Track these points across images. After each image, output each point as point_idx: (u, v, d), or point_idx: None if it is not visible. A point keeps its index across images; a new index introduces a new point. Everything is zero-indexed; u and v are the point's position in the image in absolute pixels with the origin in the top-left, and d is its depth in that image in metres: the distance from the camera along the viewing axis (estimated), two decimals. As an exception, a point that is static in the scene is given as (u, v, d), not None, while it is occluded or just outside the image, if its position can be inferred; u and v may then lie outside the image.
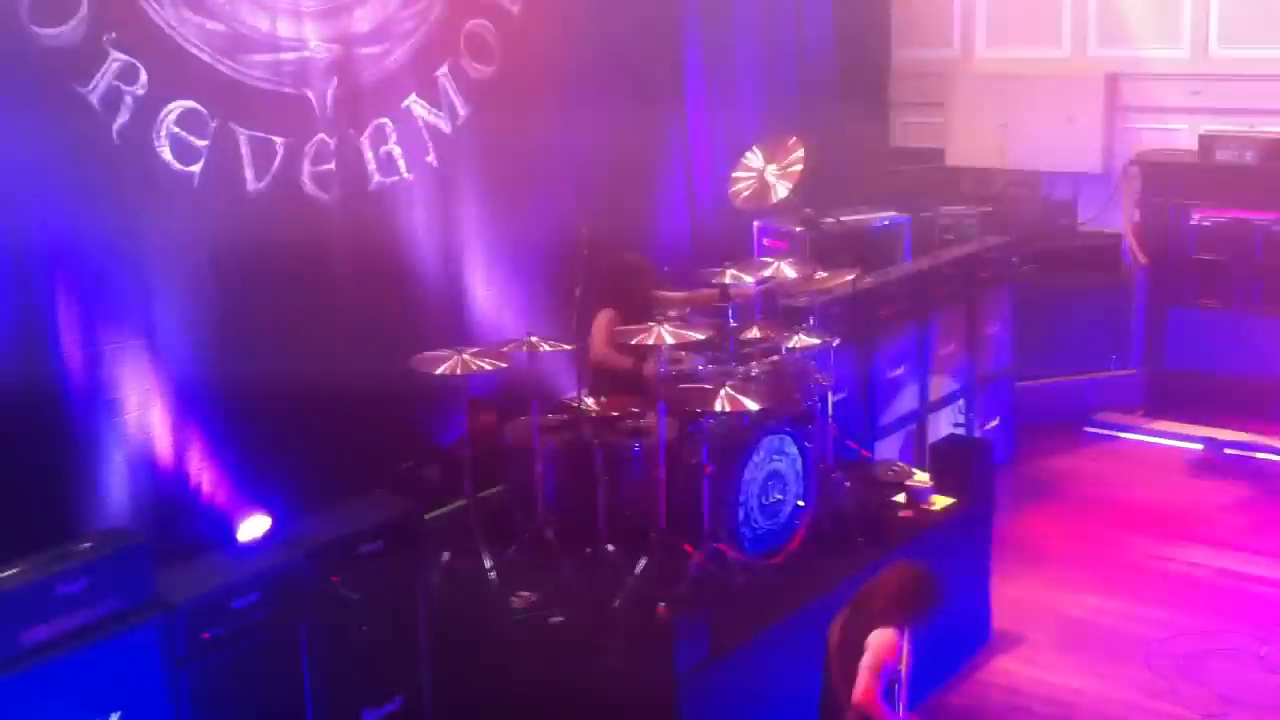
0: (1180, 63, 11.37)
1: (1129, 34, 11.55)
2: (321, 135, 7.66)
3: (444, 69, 8.32)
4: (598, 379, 7.57)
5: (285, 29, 7.45)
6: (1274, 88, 10.92)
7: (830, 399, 7.87)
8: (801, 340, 7.46)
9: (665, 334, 6.80)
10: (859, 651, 5.24)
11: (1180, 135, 11.32)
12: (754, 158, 9.11)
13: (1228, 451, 10.30)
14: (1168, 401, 11.09)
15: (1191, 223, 11.08)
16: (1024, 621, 8.12)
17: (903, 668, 5.40)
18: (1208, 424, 10.74)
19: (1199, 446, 10.69)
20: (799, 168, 9.02)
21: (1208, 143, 10.98)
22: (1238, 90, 11.08)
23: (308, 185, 7.62)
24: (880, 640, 5.24)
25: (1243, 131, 10.93)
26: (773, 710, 6.46)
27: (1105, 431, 11.11)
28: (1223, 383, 10.56)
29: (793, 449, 7.13)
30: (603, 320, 7.66)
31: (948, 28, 12.35)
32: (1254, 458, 10.06)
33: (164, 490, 6.94)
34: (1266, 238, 10.76)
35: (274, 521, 6.29)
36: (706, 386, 6.97)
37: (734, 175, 9.12)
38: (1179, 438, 10.84)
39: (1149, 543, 9.18)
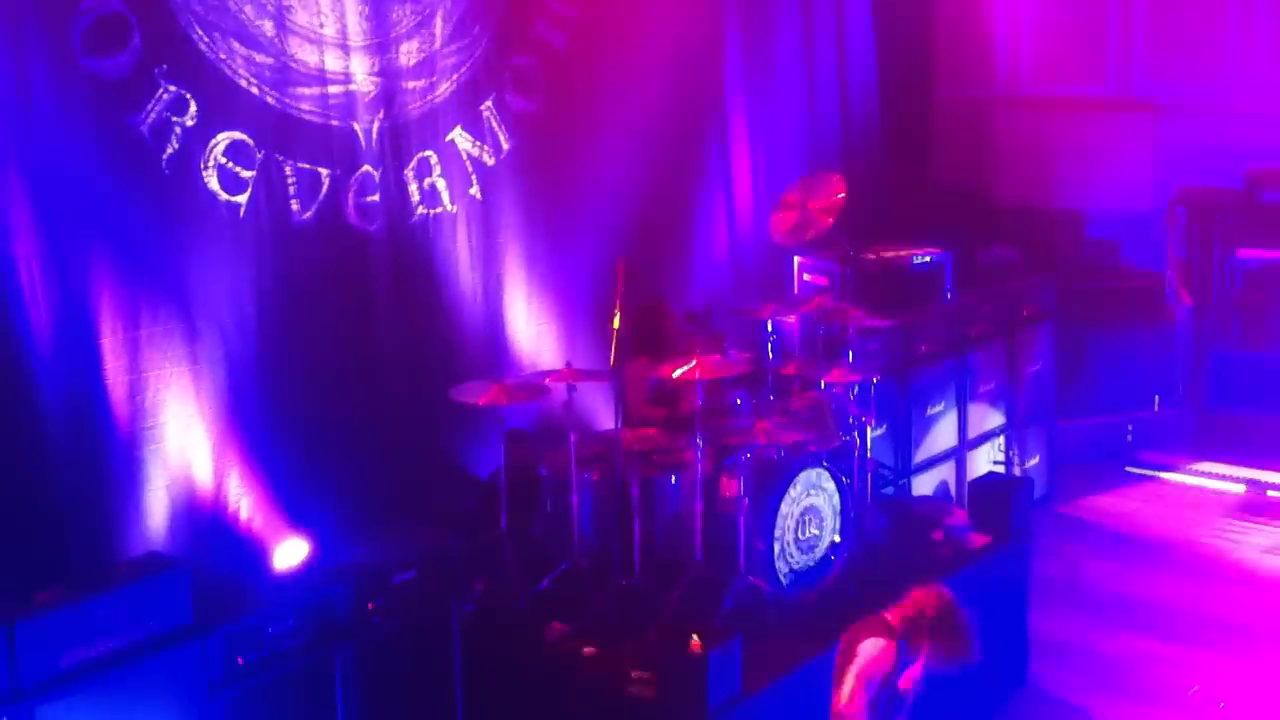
0: (1226, 100, 11.32)
1: (1175, 71, 11.51)
2: (367, 167, 7.76)
3: (489, 103, 8.40)
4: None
5: (332, 63, 7.56)
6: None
7: (868, 434, 7.85)
8: (840, 375, 7.45)
9: (701, 367, 6.81)
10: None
11: (1226, 174, 11.25)
12: (796, 193, 9.14)
13: (1270, 494, 10.19)
14: (1211, 442, 10.99)
15: (1236, 262, 11.00)
16: (1061, 662, 8.04)
17: (905, 685, 5.25)
18: (1251, 465, 10.63)
19: (1242, 488, 10.59)
20: (841, 203, 9.04)
21: (1254, 182, 10.91)
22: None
23: (352, 216, 7.71)
24: (870, 649, 5.14)
25: (1288, 170, 10.87)
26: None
27: (1147, 472, 11.01)
28: (1267, 424, 10.44)
29: (830, 484, 7.12)
30: (635, 372, 7.63)
31: (992, 64, 12.35)
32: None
33: (203, 516, 7.01)
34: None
35: (311, 549, 6.33)
36: (744, 420, 6.97)
37: (775, 210, 9.15)
38: (1222, 479, 10.74)
39: (1190, 584, 9.08)
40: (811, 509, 7.02)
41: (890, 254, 9.80)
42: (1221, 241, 11.08)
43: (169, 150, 6.89)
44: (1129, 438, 11.08)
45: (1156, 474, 10.97)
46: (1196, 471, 10.88)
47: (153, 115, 6.81)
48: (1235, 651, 8.16)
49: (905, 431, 9.06)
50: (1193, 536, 9.84)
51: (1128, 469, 11.02)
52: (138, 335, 6.79)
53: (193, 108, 6.93)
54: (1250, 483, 10.54)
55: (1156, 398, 11.19)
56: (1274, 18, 11.14)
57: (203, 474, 7.04)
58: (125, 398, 6.73)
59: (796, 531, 6.95)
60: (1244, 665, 7.99)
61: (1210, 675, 7.87)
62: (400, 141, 7.93)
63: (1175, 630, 8.43)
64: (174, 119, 6.88)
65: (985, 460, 9.82)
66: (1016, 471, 9.90)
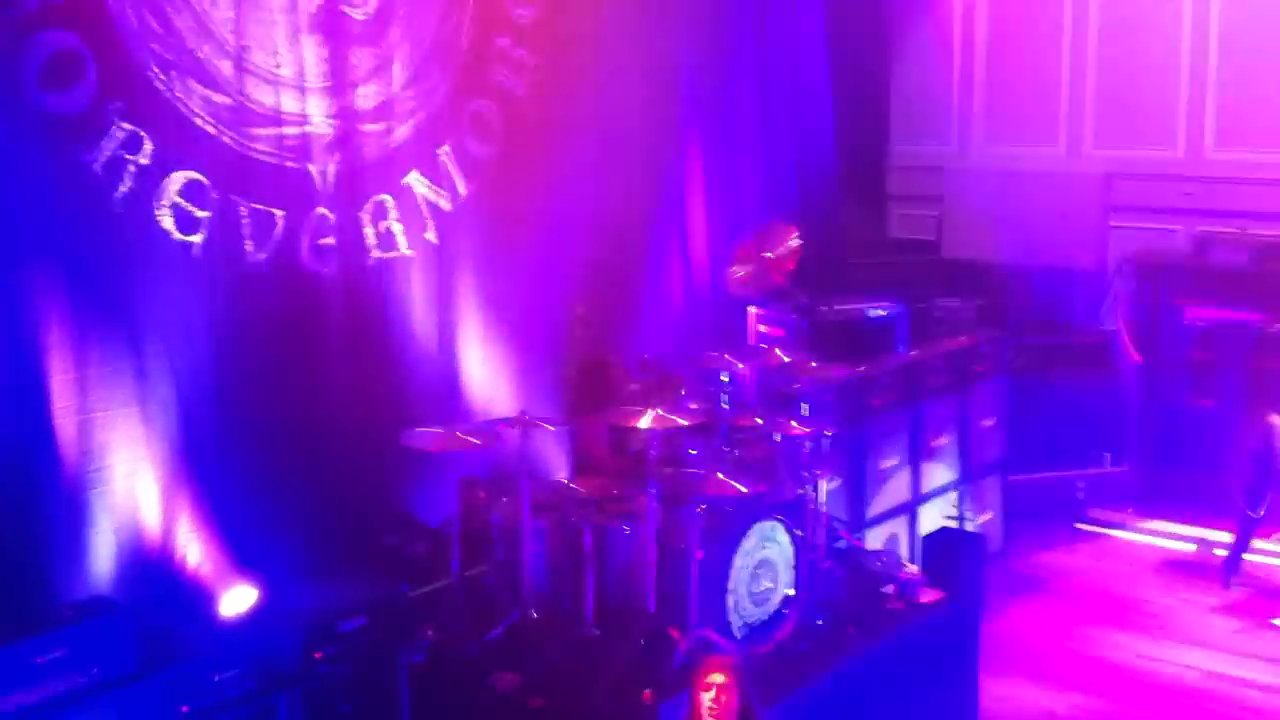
0: (1175, 164, 11.50)
1: (1125, 135, 11.69)
2: (322, 209, 7.71)
3: (446, 147, 8.39)
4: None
5: (289, 104, 7.52)
6: (1268, 191, 11.03)
7: (822, 487, 7.84)
8: (794, 427, 7.44)
9: (655, 417, 6.78)
10: None
11: (1175, 235, 11.42)
12: (752, 244, 9.16)
13: (1218, 552, 10.26)
14: (1160, 499, 11.07)
15: (1185, 322, 11.13)
16: (1010, 718, 8.02)
17: None
18: (1200, 524, 10.71)
19: (1191, 547, 10.66)
20: (797, 254, 9.08)
21: (1201, 243, 11.07)
22: (1232, 193, 11.19)
23: (307, 259, 7.66)
24: None
25: (1236, 233, 11.02)
26: (756, 802, 6.37)
27: (1098, 529, 11.07)
28: (1214, 481, 10.53)
29: (783, 537, 7.09)
30: (590, 422, 7.59)
31: (946, 123, 12.49)
32: (1246, 560, 10.02)
33: (150, 560, 6.88)
34: (1259, 339, 10.79)
35: (259, 593, 6.23)
36: (698, 471, 6.94)
37: (732, 260, 9.16)
38: (1171, 537, 10.81)
39: (1139, 643, 9.11)
40: (765, 562, 6.99)
41: (845, 306, 9.84)
42: (1170, 300, 11.22)
43: (123, 189, 6.81)
44: (1080, 494, 11.15)
45: (1107, 531, 11.03)
46: (1146, 529, 10.94)
47: (107, 153, 6.74)
48: (1186, 711, 8.18)
49: (859, 484, 9.06)
50: (1143, 595, 9.88)
51: (1078, 525, 11.07)
52: (87, 375, 6.69)
53: (148, 146, 6.87)
54: (1200, 541, 10.61)
55: (1107, 455, 11.26)
56: (1224, 85, 11.34)
57: (151, 517, 6.92)
58: (73, 439, 6.62)
59: (750, 584, 6.91)
60: (1193, 724, 8.02)
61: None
62: (356, 184, 7.90)
63: (1124, 690, 8.44)
64: (128, 157, 6.81)
65: (938, 514, 9.82)
66: (969, 526, 9.90)
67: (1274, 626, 9.34)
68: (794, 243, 9.14)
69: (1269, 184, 11.03)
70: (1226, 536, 10.15)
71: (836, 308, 9.56)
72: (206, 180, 7.15)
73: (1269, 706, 8.23)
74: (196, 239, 7.13)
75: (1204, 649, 9.01)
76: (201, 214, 7.14)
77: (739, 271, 9.21)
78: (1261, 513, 9.75)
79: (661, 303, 10.09)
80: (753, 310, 10.01)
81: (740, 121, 10.75)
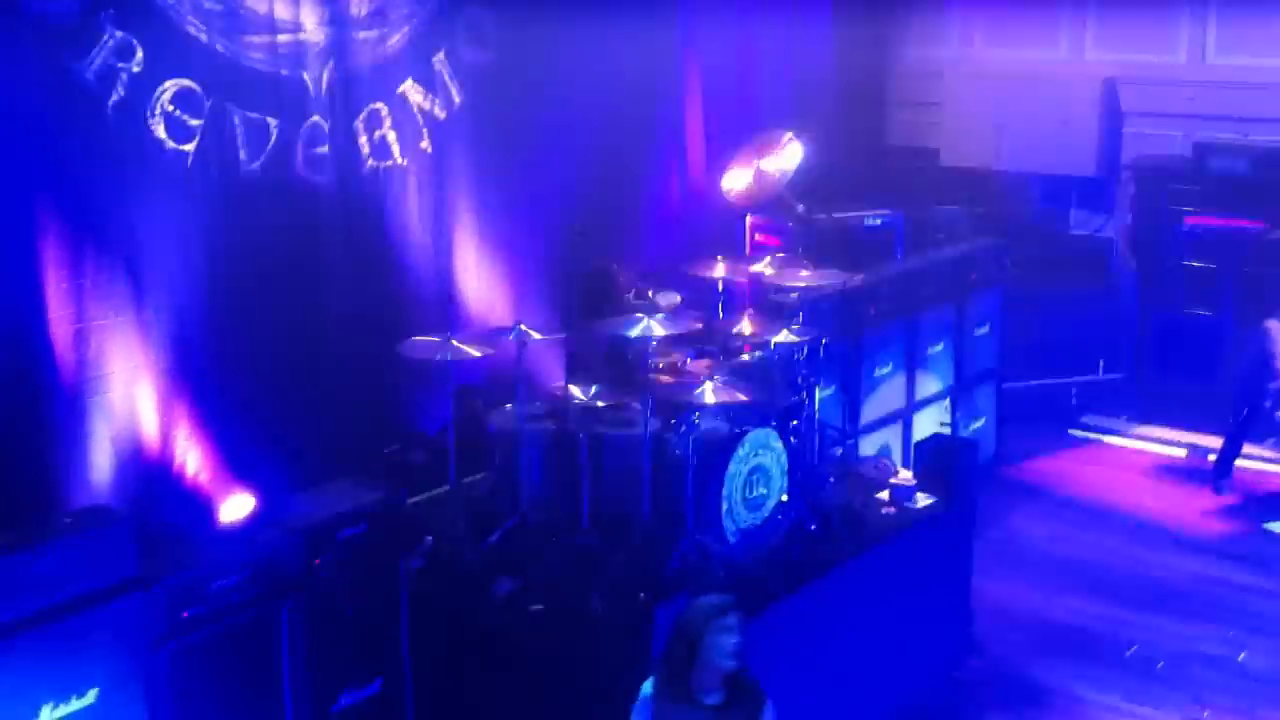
0: (1176, 69, 11.40)
1: (1126, 39, 11.58)
2: (316, 118, 7.67)
3: (441, 55, 8.32)
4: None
5: (282, 11, 7.45)
6: (1268, 98, 10.95)
7: (817, 395, 7.88)
8: (789, 336, 7.47)
9: (651, 325, 6.80)
10: None
11: (1175, 142, 11.34)
12: (749, 152, 9.12)
13: (1210, 458, 10.34)
14: (1153, 406, 11.14)
15: (1183, 230, 11.11)
16: (1004, 621, 8.14)
17: None
18: (1192, 430, 10.79)
19: (1183, 452, 10.74)
20: (794, 163, 9.04)
21: (1202, 150, 11.01)
22: (1233, 99, 11.10)
23: (301, 168, 7.63)
24: None
25: (1237, 140, 10.96)
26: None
27: (1090, 435, 11.15)
28: (1208, 390, 10.58)
29: (777, 444, 7.14)
30: (586, 331, 7.57)
31: (947, 27, 12.36)
32: (1236, 465, 10.10)
33: (148, 469, 6.95)
34: (1257, 246, 10.78)
35: (258, 503, 6.29)
36: (693, 379, 6.98)
37: (728, 169, 9.13)
38: (1164, 443, 10.89)
39: (1130, 546, 9.22)
40: (759, 469, 7.04)
41: (842, 215, 9.82)
42: (1168, 208, 11.18)
43: (115, 97, 6.77)
44: (1073, 400, 11.20)
45: (1100, 437, 11.11)
46: (1139, 435, 11.02)
47: (98, 61, 6.69)
48: (1175, 613, 8.30)
49: (853, 392, 9.11)
50: (1134, 500, 9.98)
51: (1071, 431, 11.14)
52: (82, 284, 6.70)
53: (139, 54, 6.82)
54: (1191, 447, 10.69)
55: (1101, 362, 11.30)
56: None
57: (149, 426, 6.97)
58: (70, 347, 6.64)
59: (744, 491, 6.98)
60: (1183, 626, 8.13)
61: (1149, 636, 8.01)
62: (350, 93, 7.84)
63: (1116, 592, 8.56)
64: (120, 65, 6.77)
65: (932, 422, 9.89)
66: (962, 433, 9.97)
67: (1264, 531, 9.44)
68: (792, 151, 9.11)
69: (1270, 90, 10.94)
70: (1218, 443, 10.22)
71: (833, 216, 9.54)
72: (199, 88, 7.10)
73: (1258, 609, 8.35)
74: (189, 148, 7.10)
75: (1194, 553, 9.12)
76: (194, 122, 7.10)
77: (736, 180, 9.18)
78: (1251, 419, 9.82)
79: (659, 212, 10.06)
80: (750, 219, 10.01)
81: (739, 28, 10.64)
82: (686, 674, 4.83)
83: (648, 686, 4.91)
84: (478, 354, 6.85)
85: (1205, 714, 7.22)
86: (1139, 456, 10.83)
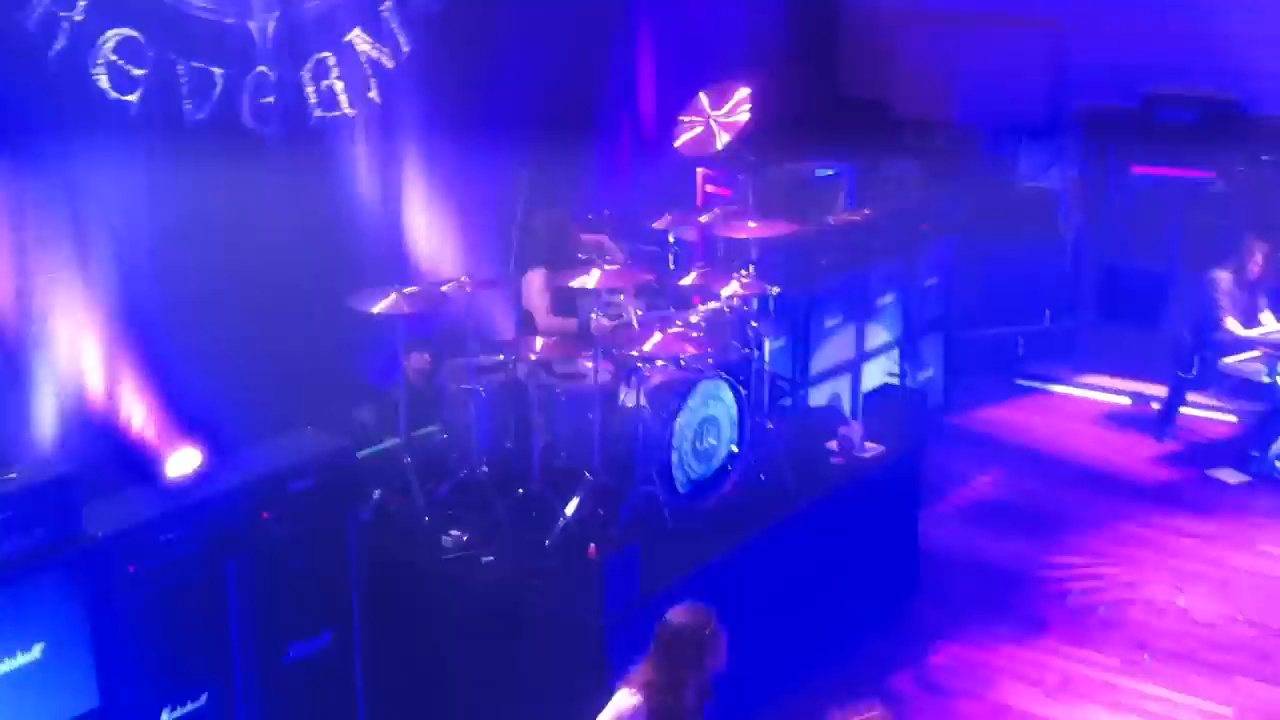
0: (1126, 18, 11.43)
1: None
2: (262, 68, 7.58)
3: (388, 3, 8.23)
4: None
5: (227, -42, 7.35)
6: (1217, 49, 11.00)
7: (767, 346, 7.92)
8: (739, 288, 7.49)
9: (600, 277, 6.80)
10: None
11: (1124, 92, 11.38)
12: (700, 103, 9.10)
13: (1154, 406, 10.48)
14: (1099, 356, 11.26)
15: (1131, 179, 11.20)
16: (950, 570, 8.26)
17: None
18: (1137, 379, 10.92)
19: (1127, 400, 10.88)
20: (745, 114, 9.03)
21: (1150, 101, 11.08)
22: (1181, 50, 11.15)
23: (247, 118, 7.55)
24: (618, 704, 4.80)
25: (1185, 90, 11.03)
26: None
27: (1037, 384, 11.27)
28: (1154, 339, 10.71)
29: (728, 395, 7.18)
30: (536, 284, 7.59)
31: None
32: (1179, 412, 10.25)
33: (94, 423, 6.90)
34: (1204, 197, 10.89)
35: (205, 456, 6.27)
36: (643, 331, 6.99)
37: (680, 120, 9.11)
38: (1108, 391, 11.02)
39: (1074, 493, 9.35)
40: (709, 419, 7.08)
41: (793, 166, 9.83)
42: (1117, 158, 11.26)
43: (57, 46, 6.67)
44: (1020, 350, 11.31)
45: (1046, 386, 11.24)
46: (1084, 383, 11.15)
47: (40, 9, 6.58)
48: (1118, 558, 8.43)
49: (803, 344, 9.16)
50: (1079, 447, 10.11)
51: (1018, 381, 11.26)
52: (24, 238, 6.62)
53: (81, 2, 6.71)
54: (1135, 395, 10.84)
55: (1047, 311, 11.40)
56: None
57: (94, 381, 6.91)
58: (12, 301, 6.57)
59: (694, 441, 7.02)
60: (1125, 571, 8.26)
61: (1093, 580, 8.14)
62: (296, 41, 7.75)
63: (1059, 538, 8.68)
64: (62, 14, 6.66)
65: (881, 372, 9.96)
66: (910, 383, 10.05)
67: (1207, 477, 9.60)
68: (743, 102, 9.09)
69: (1218, 41, 10.99)
70: (1163, 391, 10.36)
71: (784, 167, 9.54)
72: (143, 38, 7.00)
73: (1199, 554, 8.50)
74: (133, 98, 7.01)
75: (1137, 499, 9.26)
76: (138, 72, 7.01)
77: (687, 131, 9.16)
78: (1195, 371, 9.95)
79: (610, 163, 10.03)
80: (700, 170, 10.00)
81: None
82: (683, 680, 4.82)
83: (627, 697, 4.79)
84: (426, 307, 6.83)
85: (1146, 657, 7.36)
86: (1084, 405, 10.96)
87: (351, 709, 6.20)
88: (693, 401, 6.98)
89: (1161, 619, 7.76)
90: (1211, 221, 10.73)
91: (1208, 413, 10.41)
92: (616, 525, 6.61)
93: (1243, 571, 8.28)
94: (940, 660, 7.39)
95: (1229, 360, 9.63)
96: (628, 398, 6.90)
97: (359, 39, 8.10)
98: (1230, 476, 9.55)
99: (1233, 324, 9.66)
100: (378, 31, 8.19)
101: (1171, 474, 9.69)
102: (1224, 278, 9.74)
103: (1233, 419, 10.18)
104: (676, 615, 4.93)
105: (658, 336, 6.84)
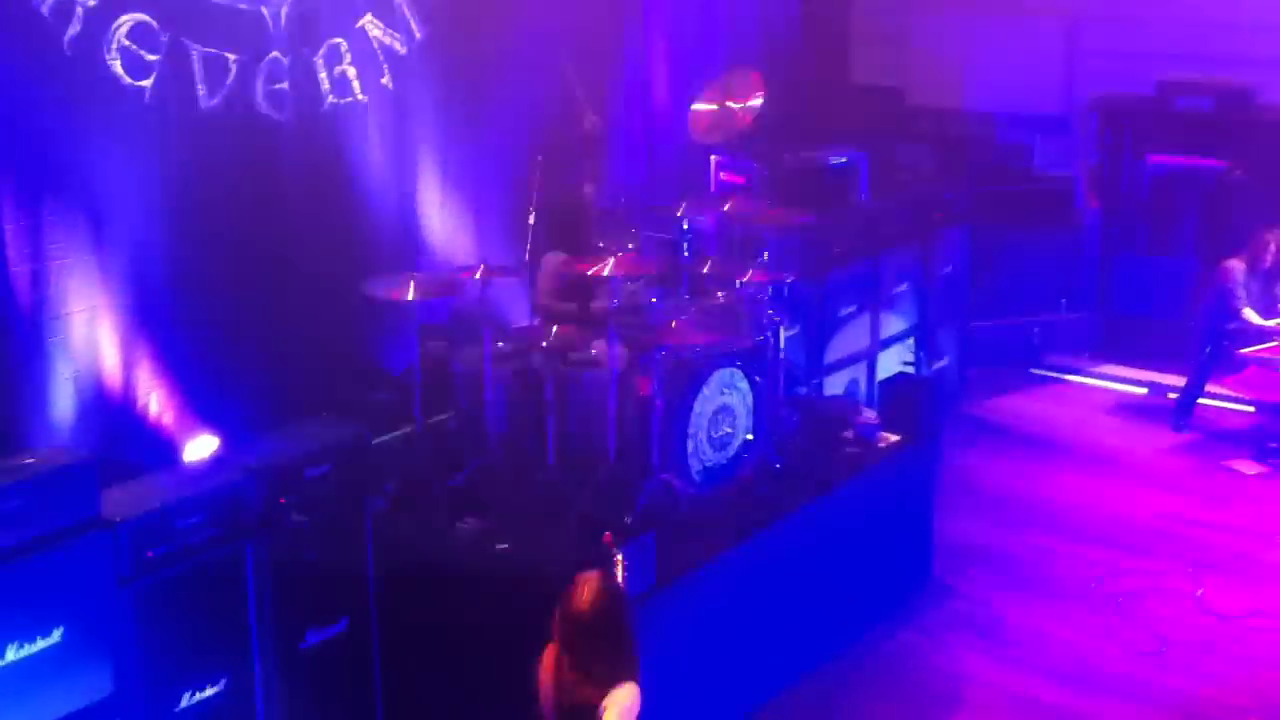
0: (1140, 6, 11.37)
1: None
2: (275, 53, 7.55)
3: (401, -11, 8.21)
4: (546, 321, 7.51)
5: (241, -57, 7.32)
6: (1232, 36, 10.94)
7: (782, 334, 7.89)
8: (755, 275, 7.46)
9: (616, 265, 6.78)
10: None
11: (1138, 81, 11.33)
12: (714, 90, 9.07)
13: (1171, 396, 10.44)
14: (1115, 346, 11.22)
15: (1146, 168, 11.15)
16: (966, 559, 8.23)
17: None
18: (1153, 369, 10.88)
19: (1143, 390, 10.84)
20: (759, 102, 9.00)
21: (1166, 89, 11.02)
22: (1197, 37, 11.09)
23: (261, 104, 7.52)
24: (623, 701, 4.57)
25: (1201, 78, 10.97)
26: (717, 638, 6.54)
27: (1052, 374, 11.23)
28: (1170, 329, 10.66)
29: (743, 383, 7.15)
30: (550, 266, 7.55)
31: (912, -36, 12.29)
32: (1196, 403, 10.20)
33: (111, 409, 6.88)
34: (1220, 186, 10.83)
35: (222, 442, 6.26)
36: (659, 318, 6.97)
37: (693, 107, 9.08)
38: (1124, 381, 10.98)
39: (1091, 483, 9.31)
40: (725, 408, 7.06)
41: (807, 154, 9.79)
42: (1132, 147, 11.22)
43: (71, 31, 6.64)
44: (1036, 340, 11.27)
45: (1061, 376, 11.20)
46: (1100, 374, 11.11)
47: (54, -6, 6.57)
48: (1135, 549, 8.39)
49: (818, 332, 9.13)
50: (1096, 438, 10.07)
51: (1034, 371, 11.22)
52: (40, 223, 6.59)
53: (95, -13, 6.69)
54: (1151, 385, 10.79)
55: (1063, 301, 11.37)
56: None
57: (110, 366, 6.89)
58: (29, 287, 6.55)
59: (710, 430, 6.99)
60: (1143, 563, 8.23)
61: (1110, 572, 8.10)
62: (309, 27, 7.72)
63: (1077, 529, 8.65)
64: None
65: (896, 361, 9.93)
66: (926, 372, 10.02)
67: (1224, 468, 9.56)
68: (757, 89, 9.06)
69: (1234, 29, 10.94)
70: (1179, 381, 10.31)
71: (799, 155, 9.50)
72: (156, 23, 6.97)
73: (1217, 545, 8.46)
74: (147, 84, 6.97)
75: (1155, 490, 9.22)
76: (151, 58, 6.98)
77: (701, 118, 9.13)
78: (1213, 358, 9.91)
79: (624, 150, 9.99)
80: (714, 158, 9.96)
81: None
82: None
83: (627, 690, 4.58)
84: (441, 293, 6.81)
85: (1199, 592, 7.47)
86: (1101, 395, 10.93)
87: (369, 695, 6.18)
88: (708, 390, 6.96)
89: (1179, 609, 7.72)
90: (1228, 210, 10.68)
91: (1225, 403, 10.37)
92: (632, 514, 6.59)
93: (1261, 563, 8.24)
94: (955, 650, 7.36)
95: (1246, 350, 9.58)
96: (643, 385, 6.87)
97: (371, 25, 8.07)
98: (1248, 468, 9.51)
99: (1250, 313, 9.61)
100: (390, 17, 8.16)
101: (1189, 464, 9.65)
102: (1238, 267, 9.69)
103: (1250, 409, 10.13)
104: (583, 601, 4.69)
105: (673, 323, 6.81)
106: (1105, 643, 7.40)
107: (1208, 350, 9.89)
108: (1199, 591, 7.88)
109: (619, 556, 5.97)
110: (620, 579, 5.29)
